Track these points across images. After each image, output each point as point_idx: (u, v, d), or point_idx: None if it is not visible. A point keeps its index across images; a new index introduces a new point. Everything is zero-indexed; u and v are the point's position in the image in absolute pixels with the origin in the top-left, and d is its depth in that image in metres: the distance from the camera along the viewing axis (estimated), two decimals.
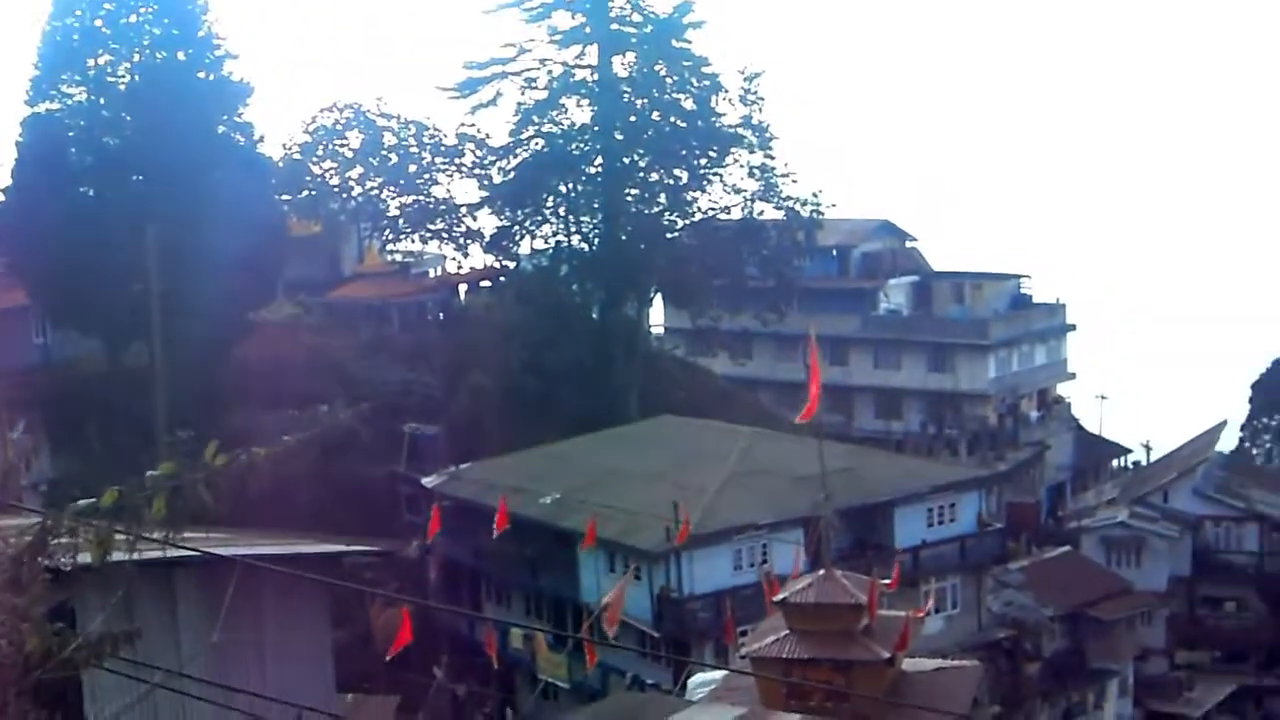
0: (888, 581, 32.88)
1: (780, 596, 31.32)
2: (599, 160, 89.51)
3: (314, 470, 70.04)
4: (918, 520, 65.25)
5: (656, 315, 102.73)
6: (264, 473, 11.34)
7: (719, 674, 34.48)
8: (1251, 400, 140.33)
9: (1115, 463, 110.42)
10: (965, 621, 67.20)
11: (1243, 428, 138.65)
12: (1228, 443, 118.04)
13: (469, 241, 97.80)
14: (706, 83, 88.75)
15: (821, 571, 31.90)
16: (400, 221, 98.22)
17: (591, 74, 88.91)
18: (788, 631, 30.80)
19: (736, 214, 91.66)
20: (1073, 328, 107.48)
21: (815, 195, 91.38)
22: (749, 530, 57.01)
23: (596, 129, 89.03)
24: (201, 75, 73.93)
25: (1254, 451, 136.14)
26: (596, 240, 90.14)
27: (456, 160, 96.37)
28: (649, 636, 55.85)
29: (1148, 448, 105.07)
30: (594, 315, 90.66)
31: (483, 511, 56.27)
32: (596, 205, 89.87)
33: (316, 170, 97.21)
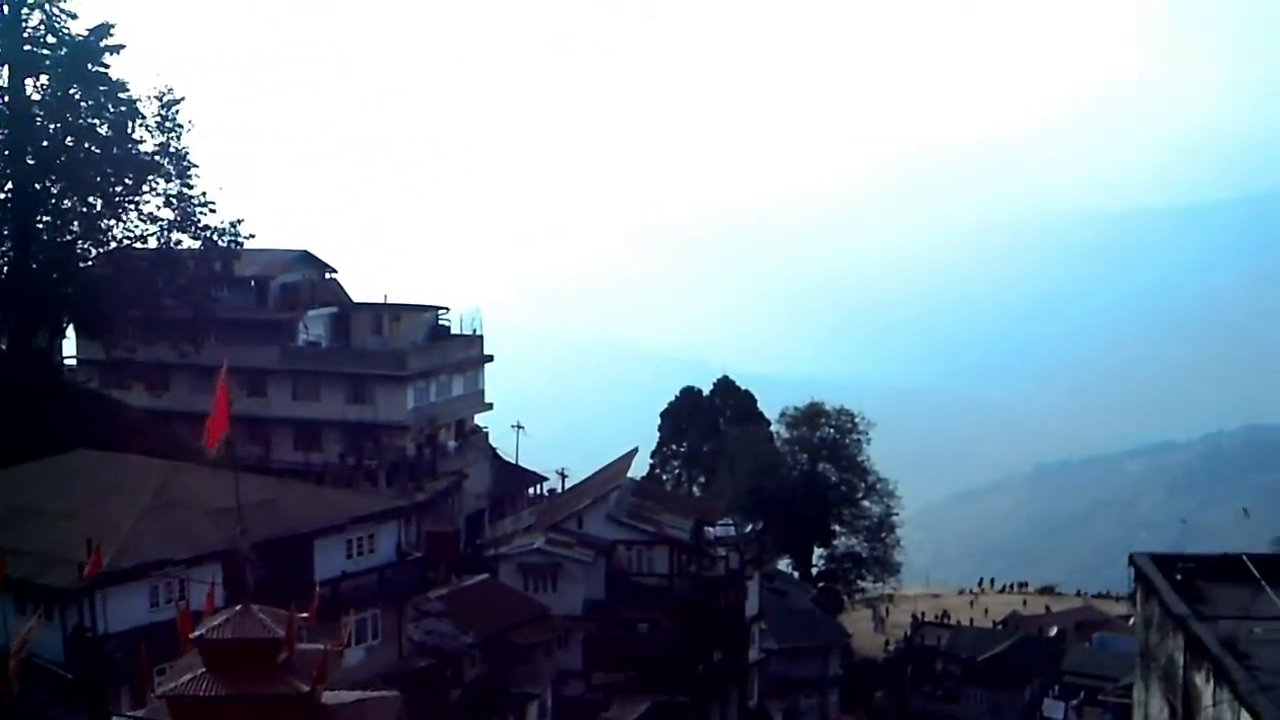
0: (306, 615, 32.78)
1: (196, 633, 30.89)
2: (9, 186, 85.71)
3: None
4: (337, 552, 65.24)
5: (69, 347, 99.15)
6: None
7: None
8: (661, 428, 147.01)
9: (532, 490, 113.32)
10: (386, 651, 67.49)
11: (653, 454, 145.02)
12: (639, 469, 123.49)
13: None
14: (123, 108, 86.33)
15: (238, 607, 31.61)
16: None
17: (2, 96, 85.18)
18: (205, 669, 30.42)
19: (153, 243, 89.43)
20: (490, 359, 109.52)
21: (234, 225, 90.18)
22: (166, 566, 55.70)
23: (7, 153, 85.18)
24: None
25: (664, 477, 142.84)
26: (5, 269, 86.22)
27: None
28: (63, 679, 53.73)
29: (563, 475, 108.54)
30: (3, 347, 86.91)
31: None
32: (6, 232, 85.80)
33: None
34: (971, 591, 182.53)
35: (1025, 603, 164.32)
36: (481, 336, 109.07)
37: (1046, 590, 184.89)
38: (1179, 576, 31.94)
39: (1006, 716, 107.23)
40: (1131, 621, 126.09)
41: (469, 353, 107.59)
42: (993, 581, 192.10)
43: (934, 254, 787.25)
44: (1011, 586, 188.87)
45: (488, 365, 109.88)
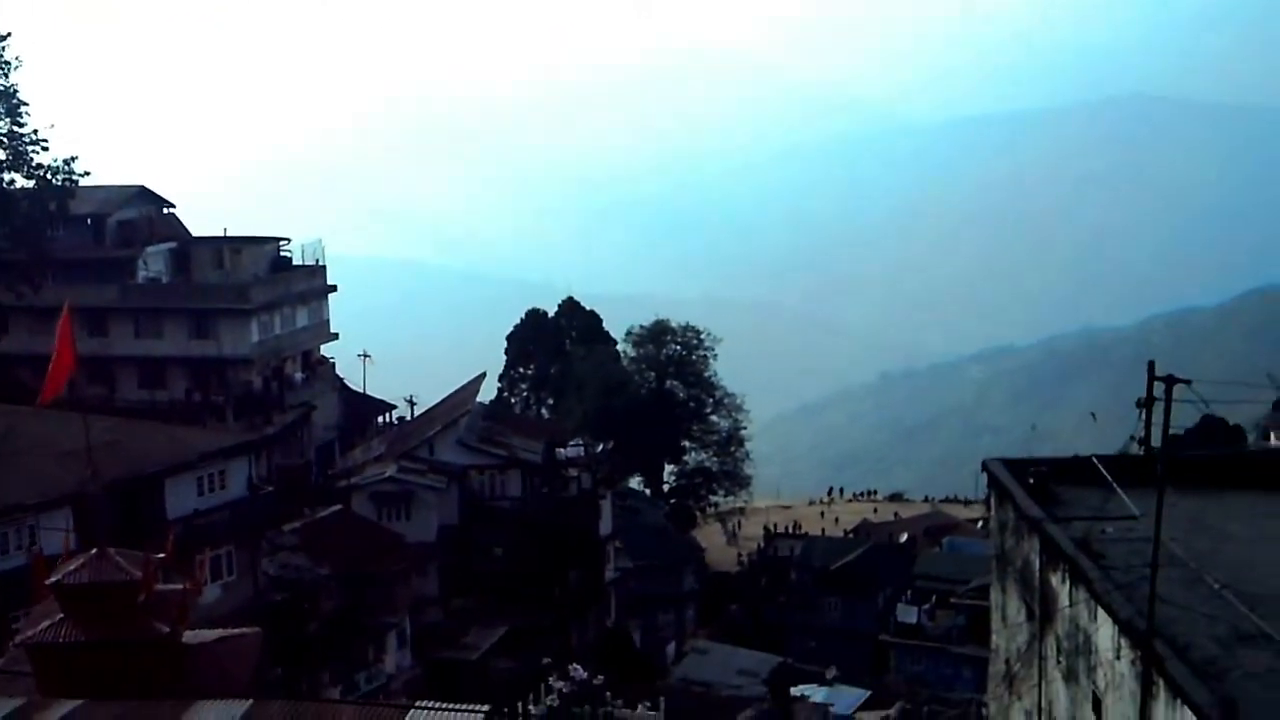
0: (163, 555, 32.17)
1: (53, 579, 30.27)
2: None
3: None
4: (188, 490, 64.74)
5: None
6: None
7: None
8: (507, 351, 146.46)
9: (381, 419, 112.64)
10: (242, 587, 67.16)
11: (501, 378, 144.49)
12: (488, 393, 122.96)
13: None
14: None
15: (94, 550, 31.00)
16: None
17: None
18: (63, 615, 29.86)
19: None
20: (333, 289, 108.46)
21: (68, 163, 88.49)
22: (15, 512, 54.84)
23: None
24: None
25: (512, 400, 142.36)
26: None
27: None
28: None
29: (412, 403, 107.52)
30: None
31: None
32: None
33: None
34: (822, 501, 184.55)
35: (875, 510, 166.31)
36: (324, 266, 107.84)
37: (895, 497, 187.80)
38: (1032, 480, 32.41)
39: (860, 622, 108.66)
40: (981, 525, 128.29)
41: (312, 283, 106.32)
42: (842, 491, 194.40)
43: (747, 170, 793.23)
44: (861, 495, 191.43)
45: (331, 295, 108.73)
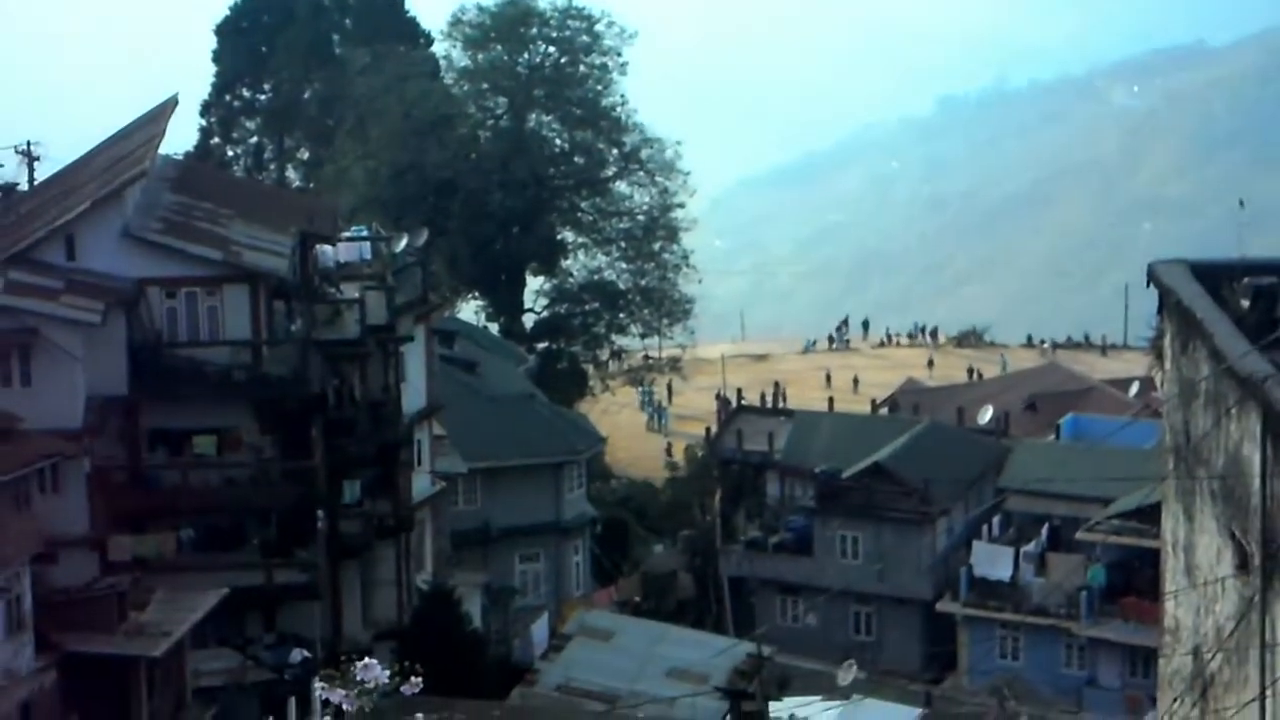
0: None
1: None
2: None
3: None
4: None
5: None
6: None
7: None
8: (219, 56, 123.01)
9: None
10: None
11: (208, 108, 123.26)
12: (182, 139, 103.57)
13: None
14: None
15: None
16: None
17: None
18: None
19: None
20: None
21: None
22: None
23: None
24: None
25: (230, 151, 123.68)
26: None
27: None
28: None
29: (31, 156, 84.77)
30: None
31: None
32: None
33: None
34: (828, 343, 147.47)
35: (930, 364, 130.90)
36: None
37: (967, 338, 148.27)
38: (1246, 304, 22.08)
39: (900, 576, 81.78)
40: (1136, 389, 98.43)
41: None
42: (866, 325, 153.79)
43: None
44: (898, 335, 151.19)
45: None
